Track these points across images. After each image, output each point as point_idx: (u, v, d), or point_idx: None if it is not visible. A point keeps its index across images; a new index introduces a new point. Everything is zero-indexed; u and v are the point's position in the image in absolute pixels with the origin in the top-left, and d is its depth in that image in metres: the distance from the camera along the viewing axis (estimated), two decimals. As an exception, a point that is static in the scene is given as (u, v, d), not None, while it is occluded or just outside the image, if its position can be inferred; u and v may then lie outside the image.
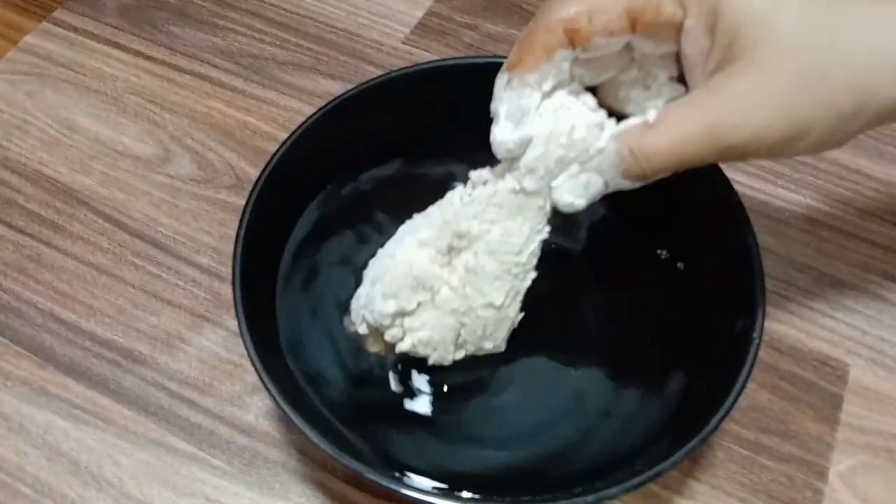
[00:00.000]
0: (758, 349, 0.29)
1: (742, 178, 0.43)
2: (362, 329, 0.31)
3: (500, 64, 0.37)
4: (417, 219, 0.32)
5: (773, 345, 0.38)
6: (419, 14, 0.51)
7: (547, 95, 0.27)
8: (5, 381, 0.37)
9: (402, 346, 0.30)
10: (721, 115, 0.24)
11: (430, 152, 0.39)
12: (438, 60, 0.38)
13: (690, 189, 0.35)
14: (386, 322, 0.30)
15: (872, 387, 0.37)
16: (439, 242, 0.29)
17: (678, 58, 0.27)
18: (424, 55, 0.49)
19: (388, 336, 0.30)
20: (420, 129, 0.39)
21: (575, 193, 0.28)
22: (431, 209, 0.31)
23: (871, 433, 0.36)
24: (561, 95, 0.28)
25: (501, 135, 0.28)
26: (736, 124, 0.24)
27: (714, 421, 0.28)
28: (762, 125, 0.24)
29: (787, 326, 0.38)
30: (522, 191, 0.28)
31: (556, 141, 0.27)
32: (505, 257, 0.29)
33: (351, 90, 0.36)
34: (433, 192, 0.37)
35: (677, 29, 0.26)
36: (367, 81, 0.36)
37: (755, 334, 0.29)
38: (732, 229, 0.32)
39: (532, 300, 0.31)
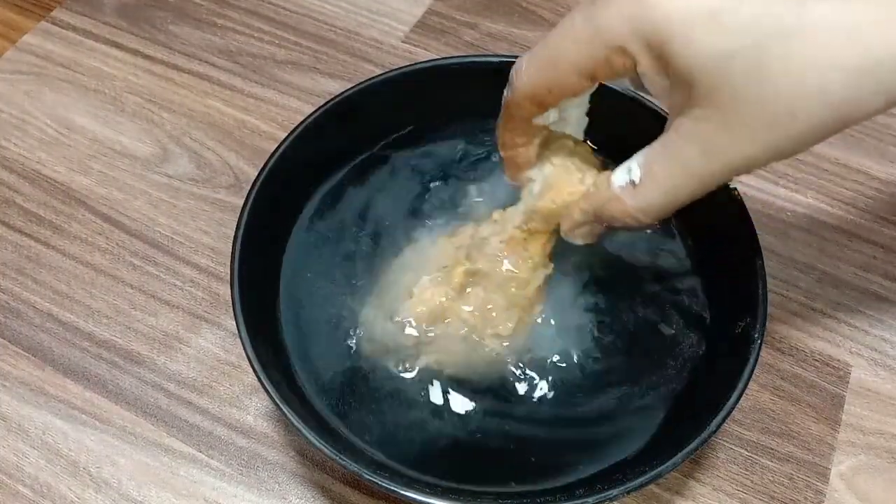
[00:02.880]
0: (759, 350, 0.29)
1: (744, 178, 0.43)
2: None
3: (501, 63, 0.37)
4: (426, 245, 0.34)
5: (774, 345, 0.38)
6: (419, 12, 0.51)
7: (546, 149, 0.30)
8: (4, 382, 0.36)
9: (420, 364, 0.32)
10: (700, 164, 0.24)
11: (429, 151, 0.38)
12: (438, 59, 0.38)
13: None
14: (406, 347, 0.32)
15: (874, 387, 0.37)
16: (452, 281, 0.31)
17: None
18: (424, 54, 0.49)
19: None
20: (420, 129, 0.39)
21: (583, 238, 0.30)
22: (441, 239, 0.33)
23: (872, 433, 0.35)
24: (567, 149, 0.30)
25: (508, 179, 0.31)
26: (718, 168, 0.24)
27: (716, 422, 0.27)
28: (742, 162, 0.24)
29: (788, 327, 0.38)
30: (528, 231, 0.31)
31: (563, 189, 0.29)
32: (512, 291, 0.31)
33: (350, 89, 0.36)
34: (434, 191, 0.37)
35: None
36: (367, 80, 0.36)
37: (757, 335, 0.29)
38: (734, 229, 0.32)
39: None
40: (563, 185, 0.29)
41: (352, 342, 0.33)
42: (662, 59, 0.23)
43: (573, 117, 0.29)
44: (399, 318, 0.32)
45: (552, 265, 0.32)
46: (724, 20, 0.22)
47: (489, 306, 0.32)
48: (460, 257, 0.32)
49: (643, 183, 0.25)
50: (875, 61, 0.21)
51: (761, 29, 0.22)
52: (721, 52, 0.22)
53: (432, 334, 0.32)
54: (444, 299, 0.31)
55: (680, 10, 0.22)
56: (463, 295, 0.32)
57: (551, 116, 0.28)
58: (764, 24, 0.22)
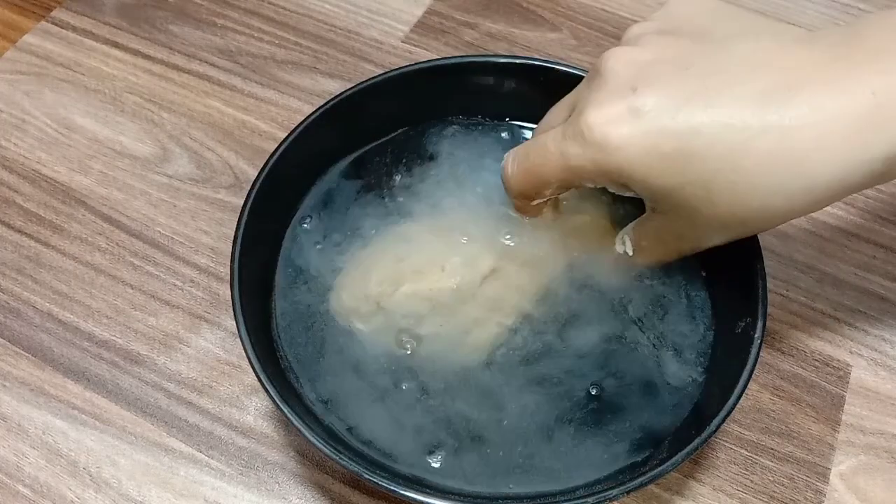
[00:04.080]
0: (759, 350, 0.29)
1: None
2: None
3: (500, 63, 0.37)
4: (464, 221, 0.35)
5: (774, 345, 0.38)
6: (419, 12, 0.51)
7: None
8: (3, 382, 0.37)
9: (411, 336, 0.33)
10: (676, 244, 0.31)
11: (429, 151, 0.38)
12: (438, 59, 0.38)
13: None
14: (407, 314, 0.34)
15: (874, 387, 0.37)
16: (481, 270, 0.34)
17: None
18: (424, 54, 0.49)
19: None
20: (420, 129, 0.39)
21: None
22: (471, 226, 0.35)
23: (872, 434, 0.35)
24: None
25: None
26: (693, 247, 0.30)
27: (716, 422, 0.27)
28: (712, 243, 0.30)
29: (788, 327, 0.38)
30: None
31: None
32: (527, 295, 0.34)
33: (350, 89, 0.36)
34: (433, 190, 0.37)
35: None
36: (367, 80, 0.36)
37: (757, 335, 0.29)
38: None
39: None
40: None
41: (351, 337, 0.33)
42: (626, 187, 0.28)
43: None
44: (421, 285, 0.33)
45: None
46: (674, 163, 0.26)
47: (503, 299, 0.33)
48: (489, 251, 0.34)
49: (636, 253, 0.33)
50: (804, 184, 0.25)
51: (706, 164, 0.26)
52: (674, 185, 0.26)
53: (439, 307, 0.33)
54: (466, 282, 0.33)
55: (635, 157, 0.26)
56: (483, 284, 0.33)
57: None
58: (705, 163, 0.26)
